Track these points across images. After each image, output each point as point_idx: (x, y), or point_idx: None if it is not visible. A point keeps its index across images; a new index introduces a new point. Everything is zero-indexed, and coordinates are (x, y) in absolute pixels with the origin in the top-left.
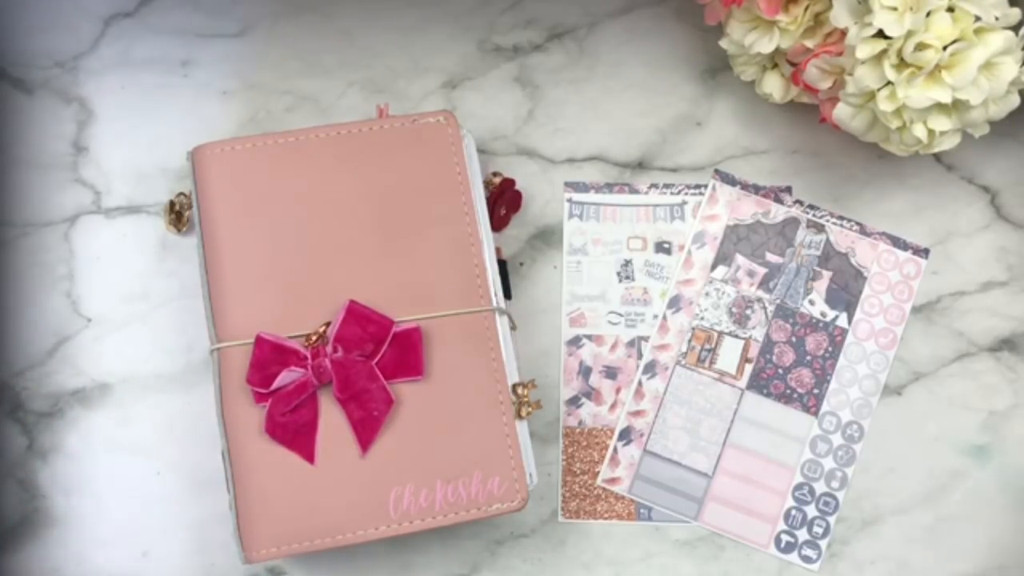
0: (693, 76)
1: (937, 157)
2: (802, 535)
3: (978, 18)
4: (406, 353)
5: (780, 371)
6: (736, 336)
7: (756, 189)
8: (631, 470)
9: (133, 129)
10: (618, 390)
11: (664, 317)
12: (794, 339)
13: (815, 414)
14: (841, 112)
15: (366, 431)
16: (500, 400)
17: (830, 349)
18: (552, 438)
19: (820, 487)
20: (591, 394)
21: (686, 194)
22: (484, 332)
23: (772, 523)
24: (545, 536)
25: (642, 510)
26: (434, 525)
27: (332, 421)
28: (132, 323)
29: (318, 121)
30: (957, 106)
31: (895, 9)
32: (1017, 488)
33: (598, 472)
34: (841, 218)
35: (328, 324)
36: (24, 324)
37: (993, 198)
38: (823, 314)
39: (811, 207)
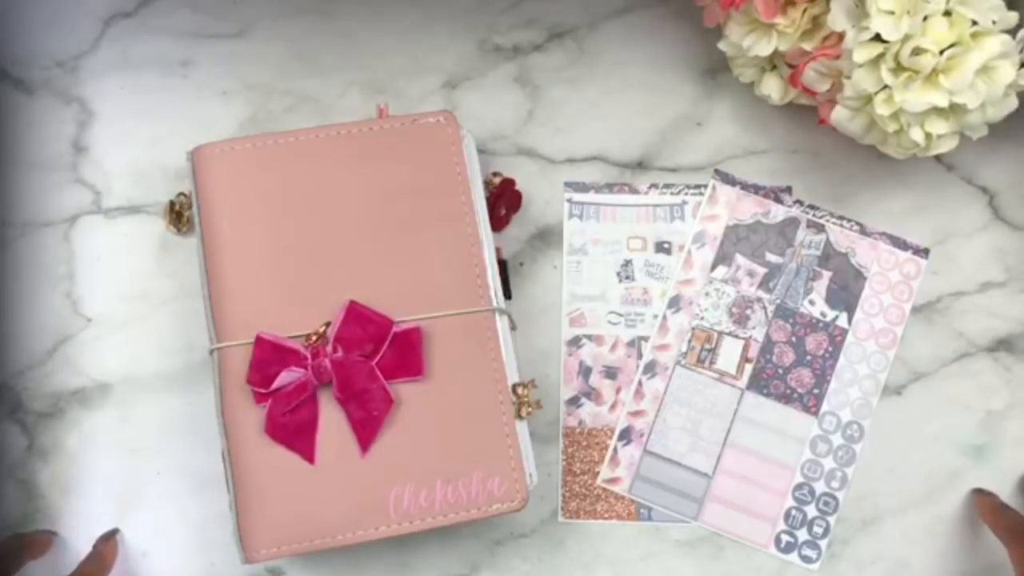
0: (693, 76)
1: (937, 157)
2: (802, 535)
3: (975, 22)
4: (406, 353)
5: (780, 371)
6: (736, 336)
7: (756, 189)
8: (631, 470)
9: (133, 129)
10: (618, 390)
11: (664, 317)
12: (794, 339)
13: (815, 414)
14: (839, 115)
15: (366, 431)
16: (500, 400)
17: (830, 349)
18: (552, 438)
19: (820, 487)
20: (591, 394)
21: (686, 194)
22: (484, 332)
23: (772, 523)
24: (545, 536)
25: (642, 510)
26: (434, 525)
27: (332, 421)
28: (132, 323)
29: (318, 121)
30: (954, 109)
31: (892, 13)
32: (1015, 487)
33: (598, 472)
34: (841, 218)
35: (328, 324)
36: (24, 324)
37: (992, 199)
38: (823, 314)
39: (811, 207)
